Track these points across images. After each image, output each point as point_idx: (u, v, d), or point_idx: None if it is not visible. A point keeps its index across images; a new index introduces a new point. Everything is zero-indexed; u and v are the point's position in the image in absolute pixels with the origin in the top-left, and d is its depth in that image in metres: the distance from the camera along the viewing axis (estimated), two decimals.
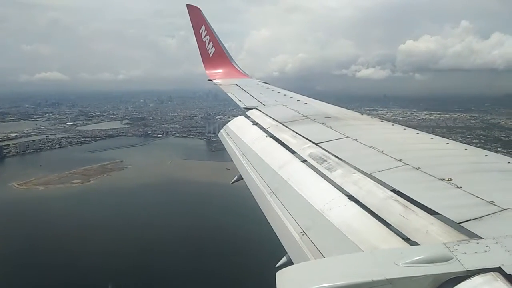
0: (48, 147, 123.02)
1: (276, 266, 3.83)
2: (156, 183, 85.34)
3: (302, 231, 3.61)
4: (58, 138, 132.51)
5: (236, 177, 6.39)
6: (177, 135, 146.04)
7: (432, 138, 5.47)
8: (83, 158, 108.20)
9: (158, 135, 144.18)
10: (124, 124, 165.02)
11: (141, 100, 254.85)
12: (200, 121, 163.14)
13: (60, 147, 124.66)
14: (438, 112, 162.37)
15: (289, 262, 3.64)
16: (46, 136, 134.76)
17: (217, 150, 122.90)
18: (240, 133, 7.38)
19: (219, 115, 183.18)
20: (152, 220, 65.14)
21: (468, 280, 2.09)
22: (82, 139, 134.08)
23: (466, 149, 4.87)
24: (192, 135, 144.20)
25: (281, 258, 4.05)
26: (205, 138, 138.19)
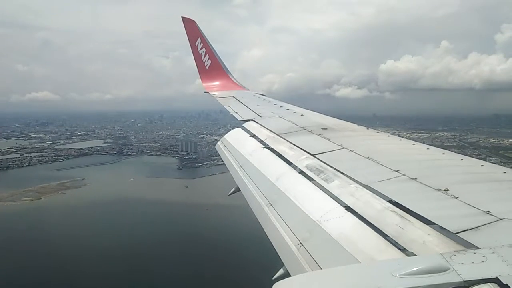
0: (17, 165, 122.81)
1: (273, 278, 3.75)
2: (106, 202, 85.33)
3: (299, 242, 3.59)
4: (31, 156, 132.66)
5: (233, 189, 6.37)
6: (152, 153, 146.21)
7: (428, 148, 5.48)
8: (46, 176, 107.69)
9: (132, 154, 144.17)
10: (105, 143, 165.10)
11: (132, 120, 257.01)
12: (187, 140, 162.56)
13: (29, 165, 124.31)
14: (421, 131, 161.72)
15: (286, 274, 3.60)
16: (21, 155, 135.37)
17: (185, 168, 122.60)
18: (237, 144, 7.37)
19: (202, 134, 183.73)
20: (78, 240, 63.66)
21: None
22: (55, 157, 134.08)
23: (462, 159, 4.88)
24: (166, 154, 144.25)
25: (278, 270, 3.97)
26: (177, 156, 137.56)
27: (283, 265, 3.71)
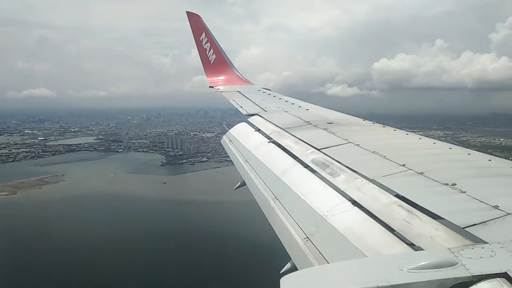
0: (2, 161, 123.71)
1: (281, 272, 3.81)
2: (79, 196, 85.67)
3: (306, 236, 3.60)
4: (18, 152, 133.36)
5: (239, 183, 6.38)
6: (139, 150, 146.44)
7: (434, 143, 5.48)
8: (28, 171, 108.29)
9: (119, 150, 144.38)
10: (96, 139, 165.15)
11: (128, 117, 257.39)
12: (174, 137, 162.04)
13: (14, 160, 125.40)
14: (415, 130, 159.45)
15: (293, 268, 3.65)
16: (9, 150, 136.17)
17: (169, 165, 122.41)
18: (242, 139, 7.40)
19: (195, 132, 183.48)
20: (40, 234, 64.13)
21: (474, 286, 2.09)
22: (41, 153, 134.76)
23: (469, 153, 4.84)
24: (153, 150, 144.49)
25: (285, 264, 4.03)
26: (164, 153, 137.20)
27: (290, 259, 3.72)
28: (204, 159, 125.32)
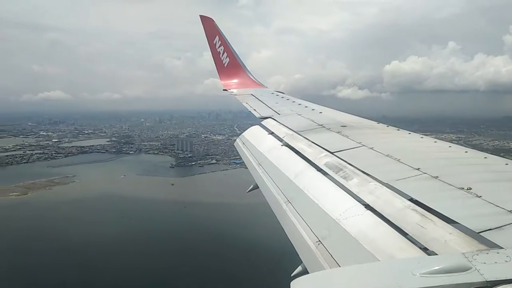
0: (16, 162, 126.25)
1: (292, 275, 3.80)
2: (87, 198, 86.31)
3: (317, 240, 3.60)
4: (32, 153, 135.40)
5: (252, 186, 6.37)
6: (150, 152, 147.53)
7: (450, 146, 5.42)
8: (40, 172, 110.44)
9: (130, 152, 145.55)
10: (109, 141, 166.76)
11: (142, 119, 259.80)
12: (184, 139, 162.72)
13: (27, 162, 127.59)
14: (427, 133, 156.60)
15: (304, 271, 3.63)
16: (23, 152, 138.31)
17: (178, 167, 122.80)
18: (255, 142, 7.42)
19: (206, 134, 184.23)
20: (40, 234, 64.74)
21: None
22: (54, 154, 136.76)
23: (486, 157, 4.77)
24: (163, 152, 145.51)
25: (296, 267, 4.01)
26: (174, 155, 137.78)
27: (302, 262, 3.70)
28: (213, 161, 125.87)
